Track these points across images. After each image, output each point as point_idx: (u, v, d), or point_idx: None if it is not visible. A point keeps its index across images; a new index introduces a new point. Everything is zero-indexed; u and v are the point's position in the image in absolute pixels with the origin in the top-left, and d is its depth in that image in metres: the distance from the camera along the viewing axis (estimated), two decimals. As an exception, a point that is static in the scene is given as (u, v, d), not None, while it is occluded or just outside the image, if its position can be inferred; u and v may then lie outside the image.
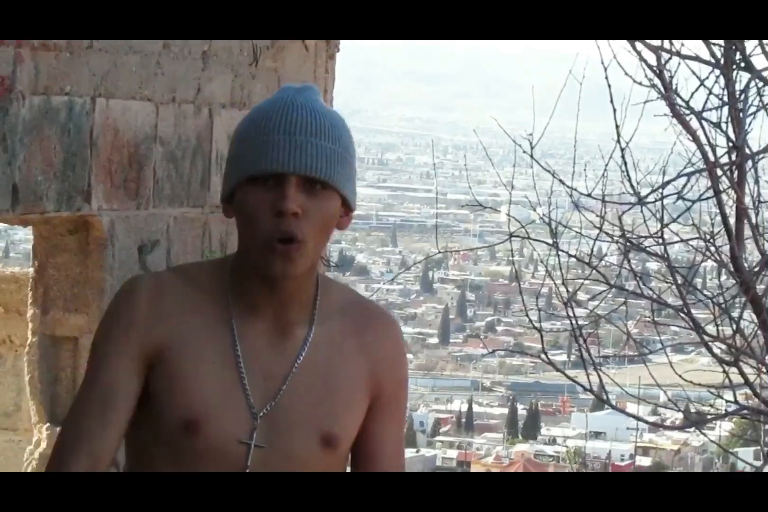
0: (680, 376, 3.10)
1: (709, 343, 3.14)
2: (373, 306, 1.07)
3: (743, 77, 2.95)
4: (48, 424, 1.84)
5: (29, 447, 1.91)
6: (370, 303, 1.08)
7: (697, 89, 2.97)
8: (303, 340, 0.94)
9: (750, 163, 2.99)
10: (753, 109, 2.98)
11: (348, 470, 1.01)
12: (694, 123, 2.95)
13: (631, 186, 3.13)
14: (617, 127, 3.14)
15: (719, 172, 2.97)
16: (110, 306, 0.96)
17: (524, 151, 3.47)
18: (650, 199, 3.12)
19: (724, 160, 2.94)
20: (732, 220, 2.99)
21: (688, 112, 2.97)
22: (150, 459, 0.93)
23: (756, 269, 3.06)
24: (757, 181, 2.96)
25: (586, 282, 3.47)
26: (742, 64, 2.94)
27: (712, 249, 3.04)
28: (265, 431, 0.90)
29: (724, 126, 2.92)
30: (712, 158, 2.94)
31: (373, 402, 0.96)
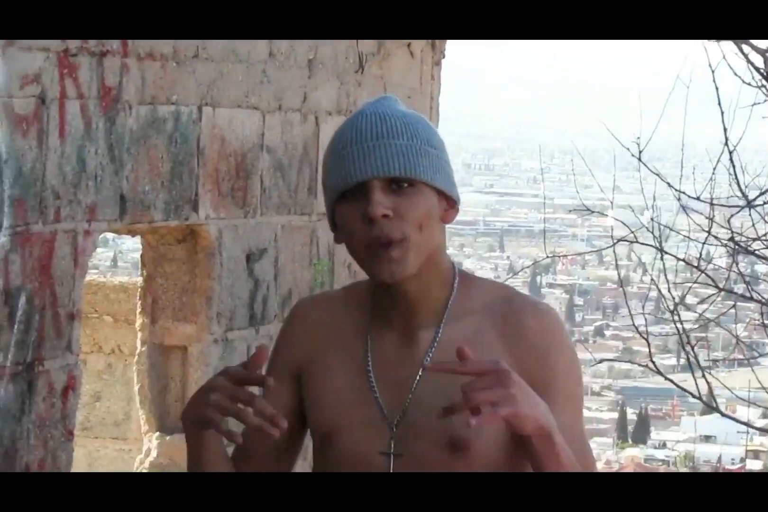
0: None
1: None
2: (520, 300, 0.97)
3: None
4: (158, 433, 1.78)
5: (139, 456, 1.86)
6: (518, 296, 0.98)
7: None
8: (430, 344, 0.90)
9: None
10: None
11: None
12: (803, 124, 2.88)
13: (740, 188, 3.09)
14: (725, 130, 3.08)
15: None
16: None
17: (632, 155, 3.41)
18: (759, 201, 3.09)
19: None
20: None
21: (797, 113, 2.93)
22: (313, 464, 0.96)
23: None
24: None
25: (695, 285, 3.48)
26: None
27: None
28: (400, 439, 0.87)
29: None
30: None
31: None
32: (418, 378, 0.88)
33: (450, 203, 0.92)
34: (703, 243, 3.34)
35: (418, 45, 2.79)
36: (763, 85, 2.87)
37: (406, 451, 0.87)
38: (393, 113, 0.89)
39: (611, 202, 4.00)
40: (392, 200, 0.85)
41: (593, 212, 4.08)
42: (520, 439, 0.84)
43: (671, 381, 3.84)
